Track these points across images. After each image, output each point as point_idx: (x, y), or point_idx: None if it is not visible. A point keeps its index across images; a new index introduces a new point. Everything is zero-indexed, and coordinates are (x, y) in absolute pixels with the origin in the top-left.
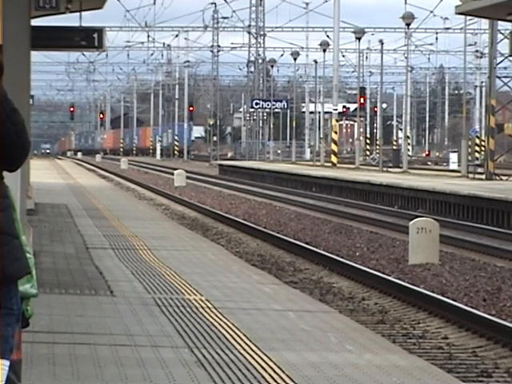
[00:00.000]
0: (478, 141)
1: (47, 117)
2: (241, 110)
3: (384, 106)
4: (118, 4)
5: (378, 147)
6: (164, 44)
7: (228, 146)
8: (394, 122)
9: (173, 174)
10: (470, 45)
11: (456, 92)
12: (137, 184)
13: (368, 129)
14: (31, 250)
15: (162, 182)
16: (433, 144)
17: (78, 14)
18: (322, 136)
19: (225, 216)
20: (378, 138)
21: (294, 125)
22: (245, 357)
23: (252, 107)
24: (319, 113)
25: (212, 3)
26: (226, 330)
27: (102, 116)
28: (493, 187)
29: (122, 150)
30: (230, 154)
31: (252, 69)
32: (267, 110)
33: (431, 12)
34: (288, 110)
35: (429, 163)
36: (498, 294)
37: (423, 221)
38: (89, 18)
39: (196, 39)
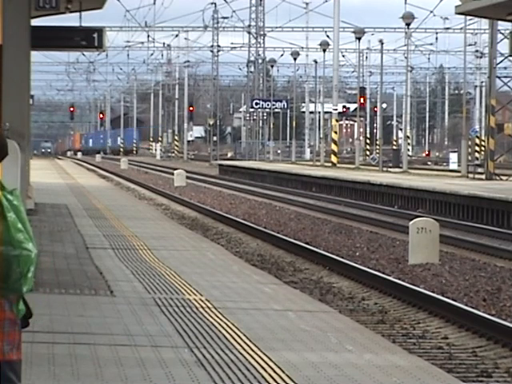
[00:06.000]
0: (477, 141)
1: (47, 117)
2: (241, 110)
3: (384, 105)
4: (118, 4)
5: (377, 147)
6: (164, 44)
7: (228, 146)
8: (394, 122)
9: (173, 174)
10: (469, 45)
11: (456, 92)
12: (137, 184)
13: (368, 129)
14: (34, 247)
15: (161, 182)
16: (433, 144)
17: (78, 14)
18: (321, 136)
19: (225, 216)
20: (377, 138)
21: (294, 125)
22: (245, 357)
23: (252, 107)
24: (319, 113)
25: (212, 3)
26: (225, 330)
27: (101, 116)
28: (493, 187)
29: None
30: (229, 154)
31: (252, 69)
32: (267, 110)
33: (431, 12)
34: (288, 110)
35: (429, 163)
36: (498, 294)
37: (423, 221)
38: (89, 18)
39: (196, 39)
